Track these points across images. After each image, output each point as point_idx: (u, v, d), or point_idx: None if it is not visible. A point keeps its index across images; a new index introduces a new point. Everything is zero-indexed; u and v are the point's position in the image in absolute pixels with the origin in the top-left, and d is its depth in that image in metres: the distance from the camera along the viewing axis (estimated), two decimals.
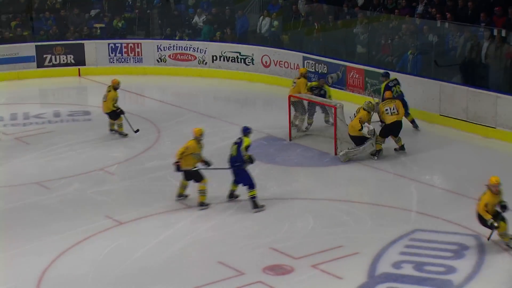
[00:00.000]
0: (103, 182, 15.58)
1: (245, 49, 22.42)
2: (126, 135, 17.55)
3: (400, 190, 14.85)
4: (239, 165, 13.93)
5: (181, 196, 14.46)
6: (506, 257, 12.10)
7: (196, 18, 23.66)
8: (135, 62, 23.35)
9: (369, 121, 16.09)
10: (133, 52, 23.31)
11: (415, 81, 18.82)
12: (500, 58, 17.93)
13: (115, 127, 17.76)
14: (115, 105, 17.46)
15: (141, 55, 23.29)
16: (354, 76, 20.03)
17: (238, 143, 14.00)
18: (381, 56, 20.12)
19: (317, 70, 20.86)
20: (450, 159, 16.10)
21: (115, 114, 17.52)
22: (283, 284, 11.55)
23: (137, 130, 17.50)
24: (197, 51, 22.91)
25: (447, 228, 13.13)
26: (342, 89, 20.14)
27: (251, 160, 13.94)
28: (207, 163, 14.21)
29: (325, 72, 20.67)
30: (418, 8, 20.36)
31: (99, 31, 23.89)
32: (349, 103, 18.42)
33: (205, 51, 22.81)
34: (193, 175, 14.15)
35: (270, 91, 20.90)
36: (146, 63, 23.30)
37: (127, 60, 23.37)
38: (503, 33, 17.89)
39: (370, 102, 16.25)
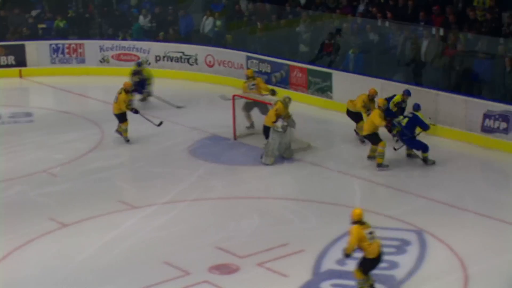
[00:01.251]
0: (46, 184, 15.42)
1: (189, 49, 22.41)
2: (128, 141, 17.32)
3: (344, 187, 15.01)
4: (408, 137, 15.49)
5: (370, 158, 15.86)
6: (445, 250, 12.33)
7: (141, 18, 23.55)
8: (78, 63, 23.15)
9: (287, 116, 16.14)
10: (75, 53, 23.10)
11: (357, 80, 19.04)
12: (439, 56, 18.26)
13: (121, 130, 17.50)
14: (128, 106, 17.24)
15: (84, 56, 23.09)
16: (297, 75, 20.17)
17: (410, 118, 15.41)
18: (323, 55, 20.30)
19: (260, 69, 20.96)
20: (392, 155, 16.32)
21: (122, 116, 17.24)
22: (229, 283, 11.60)
23: (161, 123, 17.59)
24: (140, 51, 22.82)
25: (390, 224, 13.31)
26: (286, 88, 20.27)
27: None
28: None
29: (269, 71, 20.77)
30: (359, 7, 20.61)
31: (41, 31, 23.60)
32: (293, 101, 18.49)
33: (149, 51, 22.74)
34: (372, 138, 15.68)
35: (214, 91, 20.86)
36: (89, 63, 23.12)
37: (70, 60, 23.14)
38: (442, 31, 18.23)
39: (288, 97, 16.31)
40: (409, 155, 15.97)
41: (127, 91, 17.36)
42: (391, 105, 16.20)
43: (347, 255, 10.80)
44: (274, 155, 16.07)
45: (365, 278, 10.88)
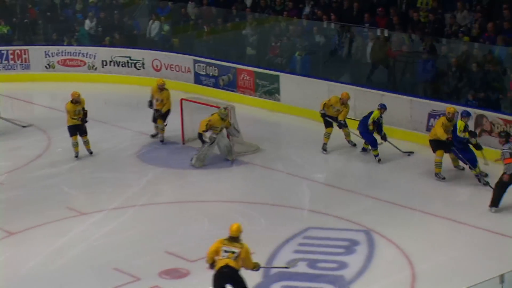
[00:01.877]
0: None
1: (135, 53, 22.32)
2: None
3: (293, 189, 15.11)
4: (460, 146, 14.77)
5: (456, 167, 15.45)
6: (393, 248, 12.50)
7: (87, 22, 23.36)
8: (23, 69, 22.87)
9: (227, 126, 16.14)
10: (20, 59, 22.83)
11: (304, 82, 19.18)
12: (384, 58, 18.49)
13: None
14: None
15: (29, 62, 22.83)
16: (245, 78, 20.24)
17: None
18: (270, 58, 20.41)
19: (208, 73, 20.97)
20: (338, 157, 16.48)
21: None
22: (179, 287, 11.59)
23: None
24: (86, 57, 22.65)
25: (339, 224, 13.46)
26: (234, 91, 20.31)
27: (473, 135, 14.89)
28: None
29: (216, 74, 20.80)
30: (305, 9, 20.76)
31: None
32: (241, 104, 18.62)
33: (95, 56, 22.58)
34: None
35: None
36: (34, 69, 22.86)
37: (14, 67, 22.85)
38: (386, 33, 18.47)
39: (225, 109, 16.32)
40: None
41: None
42: (369, 121, 15.93)
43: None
44: (204, 160, 16.17)
45: None
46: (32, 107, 21.45)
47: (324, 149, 16.60)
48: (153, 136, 17.69)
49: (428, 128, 16.84)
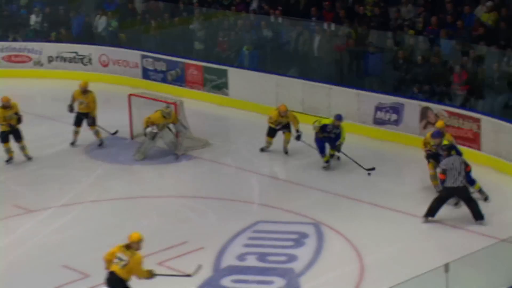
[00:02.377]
0: None
1: (82, 48, 22.12)
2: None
3: (242, 183, 15.16)
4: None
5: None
6: (342, 241, 12.64)
7: (32, 18, 23.06)
8: None
9: (162, 126, 16.10)
10: None
11: (252, 76, 19.24)
12: (331, 51, 18.64)
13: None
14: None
15: None
16: (193, 73, 20.21)
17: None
18: (218, 52, 20.41)
19: (156, 68, 20.89)
20: (289, 150, 16.56)
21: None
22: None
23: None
24: (32, 52, 22.38)
25: (288, 217, 13.55)
26: (182, 86, 20.28)
27: None
28: None
29: (165, 69, 20.74)
30: (252, 4, 20.81)
31: None
32: (189, 99, 18.60)
33: (41, 52, 22.32)
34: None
35: (109, 90, 20.69)
36: None
37: None
38: (332, 27, 18.61)
39: (169, 107, 16.25)
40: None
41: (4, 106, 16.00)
42: (315, 124, 15.42)
43: None
44: (144, 153, 16.19)
45: None
46: None
47: (262, 149, 16.44)
48: (72, 144, 16.91)
49: (375, 121, 17.04)
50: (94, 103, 16.86)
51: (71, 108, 16.91)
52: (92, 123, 16.90)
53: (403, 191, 14.61)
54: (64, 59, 22.17)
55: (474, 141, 15.51)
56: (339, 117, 15.30)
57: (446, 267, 9.67)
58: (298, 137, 16.03)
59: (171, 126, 16.39)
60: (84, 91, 16.84)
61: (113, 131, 17.20)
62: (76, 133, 16.94)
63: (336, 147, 15.33)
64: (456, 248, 11.94)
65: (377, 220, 13.33)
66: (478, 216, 12.78)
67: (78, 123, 16.92)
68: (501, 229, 12.06)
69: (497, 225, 12.66)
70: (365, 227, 13.09)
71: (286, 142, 16.27)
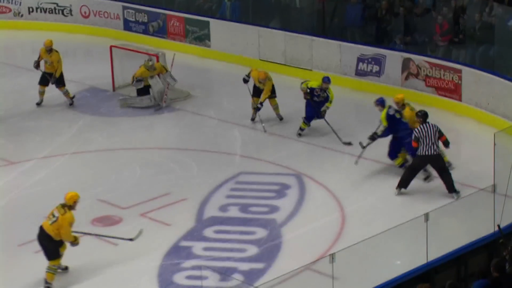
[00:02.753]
0: None
1: (62, 0, 21.90)
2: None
3: (224, 135, 15.19)
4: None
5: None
6: (323, 192, 12.73)
7: None
8: None
9: (162, 72, 16.09)
10: None
11: (234, 27, 19.14)
12: (313, 2, 18.54)
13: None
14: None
15: None
16: (175, 24, 20.08)
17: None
18: (200, 4, 20.27)
19: (137, 19, 20.72)
20: (268, 103, 16.54)
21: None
22: (112, 234, 11.60)
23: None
24: (12, 3, 22.11)
25: (270, 169, 13.62)
26: (164, 38, 20.15)
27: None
28: None
29: (146, 21, 20.58)
30: None
31: None
32: (171, 51, 18.47)
33: (21, 2, 22.06)
34: None
35: (90, 42, 20.59)
36: None
37: None
38: None
39: (151, 59, 16.20)
40: None
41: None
42: (302, 85, 14.64)
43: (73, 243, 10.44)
44: (128, 104, 16.32)
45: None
46: None
47: (252, 118, 15.49)
48: (38, 104, 16.40)
49: (357, 73, 17.05)
50: (58, 63, 16.21)
51: (37, 64, 16.35)
52: (57, 83, 16.25)
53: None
54: (44, 10, 21.95)
55: (455, 92, 15.57)
56: (327, 80, 14.50)
57: (426, 216, 9.80)
58: (257, 109, 15.18)
59: (160, 77, 16.27)
60: (49, 50, 16.20)
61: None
62: (41, 93, 16.43)
63: (320, 114, 14.55)
64: (435, 198, 12.08)
65: (358, 170, 13.41)
66: (451, 188, 12.23)
67: (43, 82, 16.36)
68: (480, 179, 12.17)
69: (476, 174, 12.77)
70: (346, 178, 13.19)
71: (275, 108, 15.44)
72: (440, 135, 12.36)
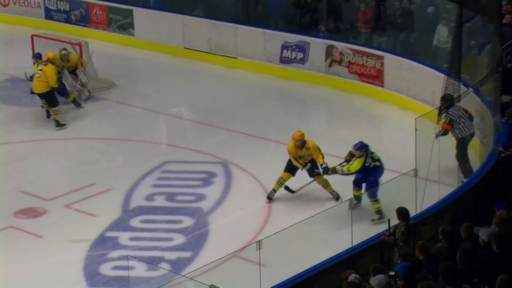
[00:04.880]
0: None
1: None
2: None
3: (150, 124, 15.10)
4: None
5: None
6: (250, 179, 12.79)
7: None
8: None
9: (60, 68, 15.46)
10: None
11: (158, 16, 19.01)
12: None
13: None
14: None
15: None
16: (98, 13, 19.83)
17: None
18: None
19: (59, 8, 20.39)
20: (195, 90, 16.55)
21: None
22: (36, 226, 11.47)
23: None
24: None
25: (196, 157, 13.61)
26: (86, 27, 19.88)
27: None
28: None
29: (68, 9, 20.26)
30: None
31: None
32: (94, 40, 18.27)
33: None
34: None
35: (10, 31, 20.18)
36: None
37: None
38: None
39: (65, 49, 15.84)
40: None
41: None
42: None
43: None
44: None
45: None
46: None
47: (269, 197, 12.24)
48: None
49: (282, 60, 17.14)
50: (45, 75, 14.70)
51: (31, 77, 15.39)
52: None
53: (309, 129, 14.82)
54: None
55: (377, 78, 15.82)
56: (361, 146, 11.50)
57: (350, 202, 9.94)
58: (325, 171, 11.87)
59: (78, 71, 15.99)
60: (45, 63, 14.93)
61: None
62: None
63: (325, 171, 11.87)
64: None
65: (284, 157, 13.49)
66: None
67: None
68: (402, 164, 12.36)
69: (398, 159, 12.97)
70: (272, 165, 13.23)
71: (325, 186, 12.05)
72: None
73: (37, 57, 15.38)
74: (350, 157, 11.61)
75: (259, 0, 18.41)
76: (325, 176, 11.88)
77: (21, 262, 10.63)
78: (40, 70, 14.66)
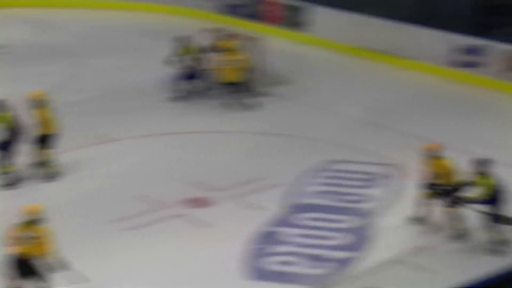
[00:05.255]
0: None
1: None
2: None
3: (320, 122, 14.92)
4: None
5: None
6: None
7: None
8: None
9: None
10: None
11: (335, 14, 18.81)
12: None
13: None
14: None
15: None
16: (272, 9, 19.94)
17: None
18: None
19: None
20: (367, 90, 16.16)
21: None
22: (201, 217, 11.51)
23: None
24: None
25: (364, 158, 13.26)
26: (260, 23, 20.03)
27: None
28: None
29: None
30: None
31: None
32: (268, 36, 18.29)
33: None
34: None
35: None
36: None
37: None
38: None
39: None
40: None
41: None
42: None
43: None
44: None
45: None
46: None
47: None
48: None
49: (457, 63, 16.50)
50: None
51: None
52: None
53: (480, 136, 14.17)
54: None
55: None
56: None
57: None
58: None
59: None
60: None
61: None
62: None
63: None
64: None
65: None
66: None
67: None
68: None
69: None
70: None
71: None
72: None
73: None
74: None
75: (438, 1, 17.88)
76: None
77: (183, 251, 10.67)
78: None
